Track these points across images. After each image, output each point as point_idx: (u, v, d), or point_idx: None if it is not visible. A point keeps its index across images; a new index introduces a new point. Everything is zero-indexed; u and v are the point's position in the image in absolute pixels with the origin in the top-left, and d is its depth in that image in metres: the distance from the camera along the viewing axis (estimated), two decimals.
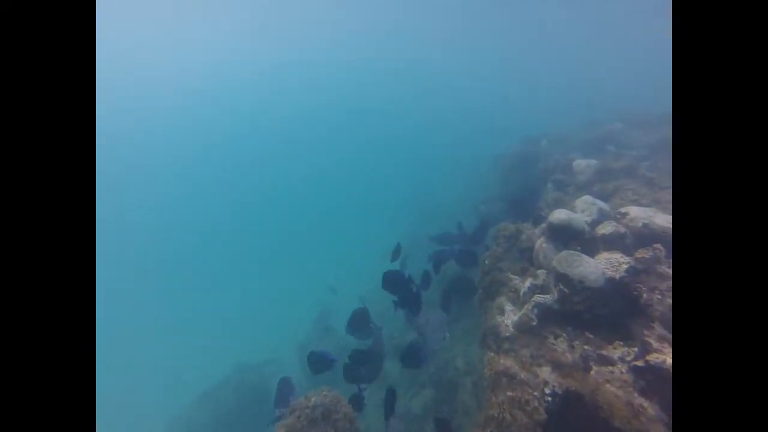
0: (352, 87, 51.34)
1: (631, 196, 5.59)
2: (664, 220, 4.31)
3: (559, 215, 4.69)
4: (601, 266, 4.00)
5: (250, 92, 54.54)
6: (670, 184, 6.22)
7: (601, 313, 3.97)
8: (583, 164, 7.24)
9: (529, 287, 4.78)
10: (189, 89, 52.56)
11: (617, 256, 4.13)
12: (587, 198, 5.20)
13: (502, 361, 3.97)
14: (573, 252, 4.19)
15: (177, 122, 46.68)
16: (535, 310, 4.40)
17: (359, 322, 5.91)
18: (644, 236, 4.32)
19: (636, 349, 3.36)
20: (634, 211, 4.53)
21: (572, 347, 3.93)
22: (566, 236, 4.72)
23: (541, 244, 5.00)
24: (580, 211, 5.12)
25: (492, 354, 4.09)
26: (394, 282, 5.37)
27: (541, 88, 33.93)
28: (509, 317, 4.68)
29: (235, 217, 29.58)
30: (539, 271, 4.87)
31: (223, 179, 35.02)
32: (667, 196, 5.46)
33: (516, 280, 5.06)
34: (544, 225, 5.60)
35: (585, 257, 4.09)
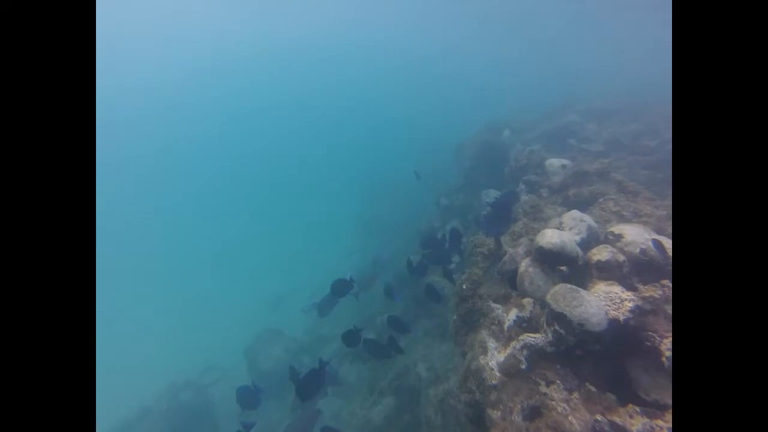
0: (311, 80, 47.45)
1: (612, 207, 5.17)
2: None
3: (551, 239, 4.04)
4: (602, 304, 3.44)
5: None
6: (644, 191, 5.93)
7: (593, 349, 3.46)
8: (556, 164, 6.77)
9: (514, 320, 4.16)
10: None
11: (617, 290, 3.60)
12: (575, 214, 4.63)
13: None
14: (571, 287, 3.58)
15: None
16: (525, 352, 3.78)
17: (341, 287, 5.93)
18: (642, 264, 3.83)
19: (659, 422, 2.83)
20: (629, 234, 4.03)
21: (569, 399, 3.38)
22: (556, 261, 4.12)
23: (526, 267, 4.37)
24: (567, 228, 4.55)
25: None
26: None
27: (505, 78, 33.98)
28: (493, 357, 4.03)
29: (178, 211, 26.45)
30: (525, 301, 4.26)
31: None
32: (647, 207, 5.11)
33: (498, 309, 4.41)
34: (525, 241, 5.00)
35: (584, 294, 3.50)
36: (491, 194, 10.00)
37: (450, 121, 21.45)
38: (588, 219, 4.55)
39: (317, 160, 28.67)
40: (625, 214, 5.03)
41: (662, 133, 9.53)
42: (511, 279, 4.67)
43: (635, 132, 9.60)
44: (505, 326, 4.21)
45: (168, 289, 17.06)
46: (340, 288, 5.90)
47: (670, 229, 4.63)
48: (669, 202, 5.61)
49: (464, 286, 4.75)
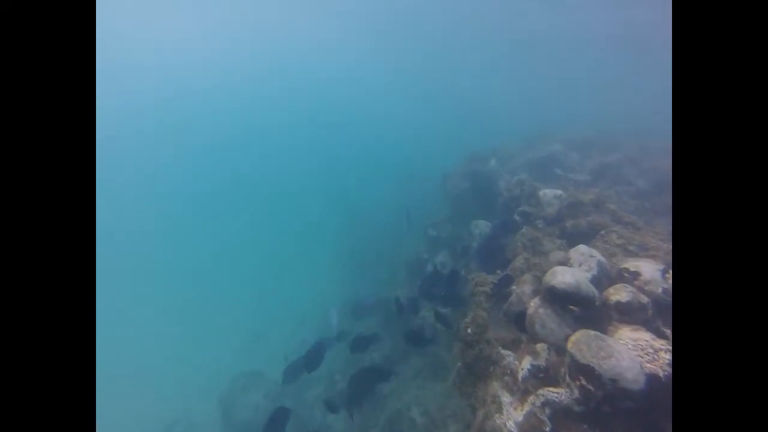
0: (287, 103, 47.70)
1: (616, 240, 4.96)
2: None
3: (564, 278, 3.71)
4: (634, 354, 3.07)
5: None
6: (637, 221, 5.80)
7: (624, 406, 3.04)
8: (549, 194, 6.62)
9: (529, 369, 3.72)
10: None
11: (646, 337, 3.26)
12: (583, 249, 4.36)
13: None
14: (595, 334, 3.21)
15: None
16: (547, 410, 3.32)
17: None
18: (665, 306, 3.53)
19: None
20: (646, 271, 3.76)
21: None
22: (570, 302, 3.77)
23: (536, 308, 4.00)
24: (576, 264, 4.26)
25: None
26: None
27: (484, 107, 35.17)
28: (510, 415, 3.54)
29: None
30: (538, 346, 3.85)
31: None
32: (653, 240, 4.92)
33: (509, 356, 3.97)
34: (529, 278, 4.66)
35: (611, 342, 3.13)
36: (481, 225, 9.81)
37: (429, 149, 21.68)
38: (597, 254, 4.28)
39: (296, 187, 28.14)
40: (631, 248, 4.82)
41: (641, 163, 9.75)
42: (519, 320, 4.28)
43: (617, 162, 9.77)
44: (519, 376, 3.75)
45: (136, 332, 15.59)
46: (315, 359, 5.81)
47: None
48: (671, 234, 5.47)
49: (469, 330, 4.30)
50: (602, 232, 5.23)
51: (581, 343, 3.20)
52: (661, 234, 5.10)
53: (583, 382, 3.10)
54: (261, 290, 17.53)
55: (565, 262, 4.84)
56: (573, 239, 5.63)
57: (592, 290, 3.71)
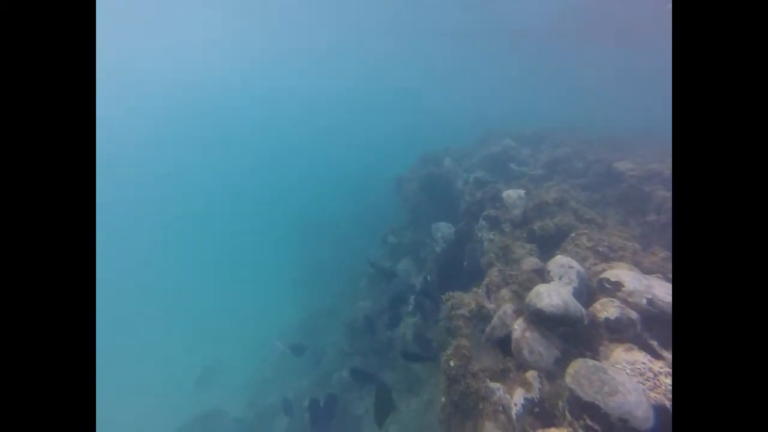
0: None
1: (587, 242, 4.83)
2: (664, 292, 3.43)
3: (551, 300, 3.39)
4: (636, 383, 2.81)
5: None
6: (607, 220, 5.81)
7: None
8: (513, 196, 6.45)
9: (523, 405, 3.36)
10: None
11: (641, 358, 3.03)
12: (561, 260, 4.11)
13: None
14: (594, 366, 2.90)
15: None
16: None
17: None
18: (652, 317, 3.35)
19: None
20: (629, 281, 3.57)
21: None
22: (558, 324, 3.48)
23: (522, 332, 3.66)
24: (557, 278, 4.00)
25: None
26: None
27: (433, 108, 35.28)
28: None
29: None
30: (528, 375, 3.51)
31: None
32: (618, 239, 4.87)
33: (499, 390, 3.59)
34: (508, 294, 4.34)
35: (613, 374, 2.84)
36: (442, 228, 9.54)
37: (380, 154, 21.28)
38: (576, 265, 4.06)
39: (246, 206, 26.21)
40: (600, 249, 4.70)
41: (586, 155, 10.10)
42: (504, 345, 3.93)
43: (565, 156, 10.02)
44: (513, 413, 3.38)
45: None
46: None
47: (648, 264, 4.38)
48: (634, 231, 5.51)
49: (451, 363, 3.87)
50: (572, 234, 5.09)
51: (581, 377, 2.88)
52: (622, 232, 5.09)
53: (588, 422, 2.77)
54: (211, 319, 15.93)
55: (540, 270, 4.62)
56: (543, 243, 5.46)
57: (580, 309, 3.44)
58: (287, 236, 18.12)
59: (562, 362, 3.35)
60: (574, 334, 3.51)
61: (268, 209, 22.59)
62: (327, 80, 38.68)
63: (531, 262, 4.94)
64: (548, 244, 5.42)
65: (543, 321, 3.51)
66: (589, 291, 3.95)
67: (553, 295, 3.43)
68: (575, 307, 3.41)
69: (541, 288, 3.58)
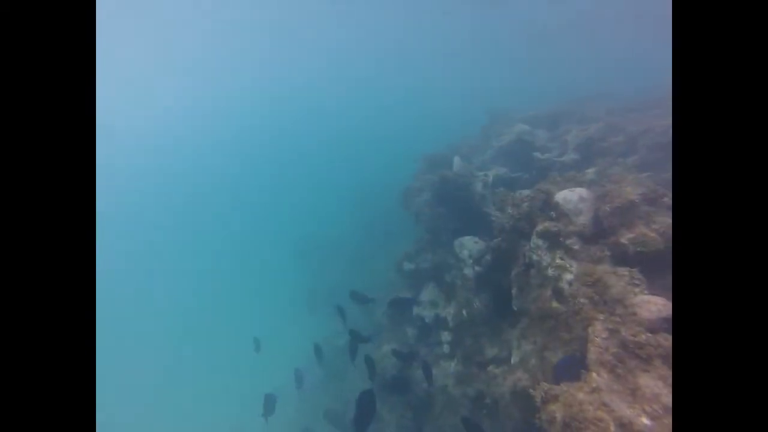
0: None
1: None
2: None
3: None
4: None
5: None
6: None
7: None
8: (572, 198, 4.68)
9: None
10: None
11: None
12: None
13: None
14: None
15: None
16: None
17: None
18: None
19: None
20: None
21: None
22: None
23: None
24: None
25: None
26: None
27: (428, 103, 33.43)
28: None
29: None
30: None
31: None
32: None
33: None
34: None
35: None
36: (467, 244, 7.71)
37: (377, 156, 19.55)
38: None
39: (244, 226, 24.64)
40: None
41: (624, 127, 8.30)
42: None
43: (599, 132, 8.26)
44: None
45: None
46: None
47: None
48: None
49: None
50: None
51: None
52: None
53: None
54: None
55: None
56: (644, 265, 3.66)
57: None
58: (290, 265, 16.36)
59: None
60: None
61: (263, 240, 20.90)
62: (305, 81, 37.14)
63: (644, 299, 3.17)
64: (654, 266, 3.62)
65: None
66: None
67: None
68: None
69: None
